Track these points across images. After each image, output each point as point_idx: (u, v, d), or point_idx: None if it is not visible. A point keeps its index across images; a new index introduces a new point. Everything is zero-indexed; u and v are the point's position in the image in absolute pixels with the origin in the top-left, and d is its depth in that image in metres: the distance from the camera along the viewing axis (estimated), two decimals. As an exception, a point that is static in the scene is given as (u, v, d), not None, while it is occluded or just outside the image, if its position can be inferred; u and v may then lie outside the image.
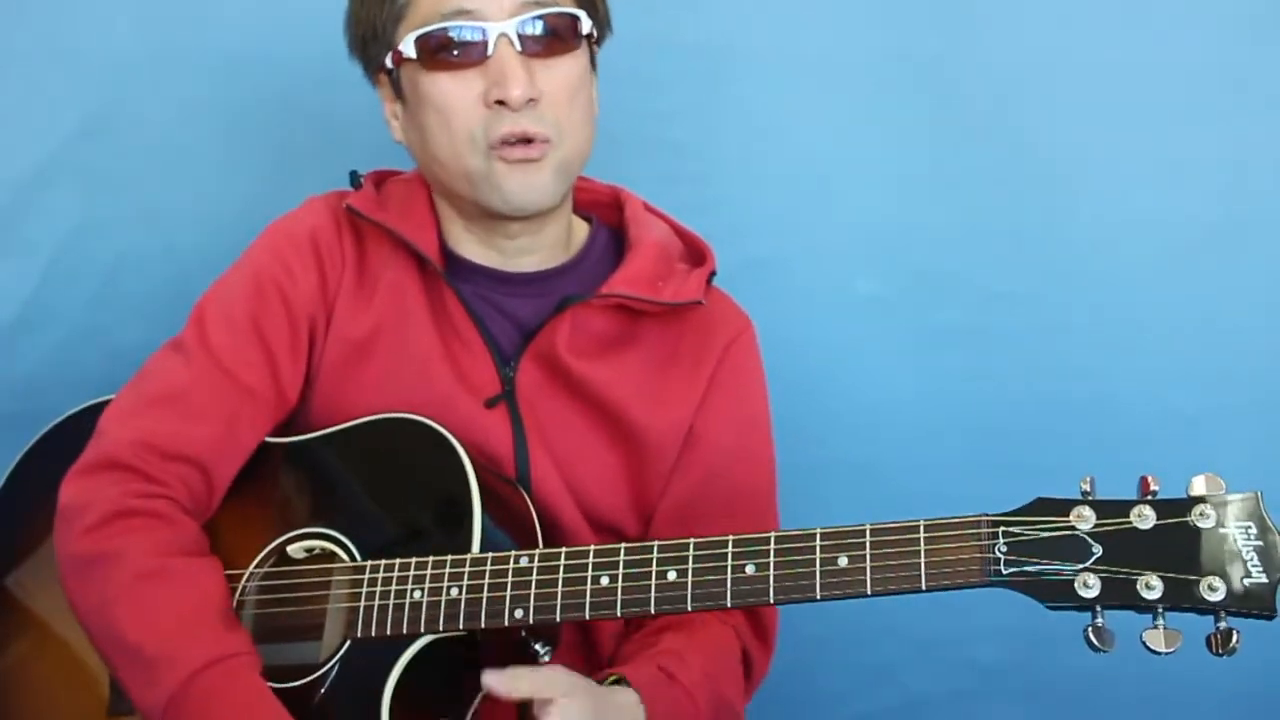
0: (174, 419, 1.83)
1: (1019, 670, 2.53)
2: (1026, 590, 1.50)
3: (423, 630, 1.71)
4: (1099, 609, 1.48)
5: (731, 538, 1.63)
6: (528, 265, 1.95)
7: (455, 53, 1.82)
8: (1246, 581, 1.43)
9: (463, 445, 1.78)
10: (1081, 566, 1.47)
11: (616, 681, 1.78)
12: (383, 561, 1.75)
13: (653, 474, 1.95)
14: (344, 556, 1.79)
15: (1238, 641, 1.44)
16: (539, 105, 1.82)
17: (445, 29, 1.82)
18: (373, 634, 1.73)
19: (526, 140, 1.82)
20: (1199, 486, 1.48)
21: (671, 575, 1.64)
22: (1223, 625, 1.45)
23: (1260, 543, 1.44)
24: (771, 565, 1.60)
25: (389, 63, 1.89)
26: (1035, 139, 2.53)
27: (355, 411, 1.87)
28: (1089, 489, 1.51)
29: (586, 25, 1.88)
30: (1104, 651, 1.47)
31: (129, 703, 1.81)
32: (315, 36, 2.46)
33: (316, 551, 1.82)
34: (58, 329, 2.53)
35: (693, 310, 1.95)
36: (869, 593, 1.55)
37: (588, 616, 1.67)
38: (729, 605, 1.62)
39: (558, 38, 1.85)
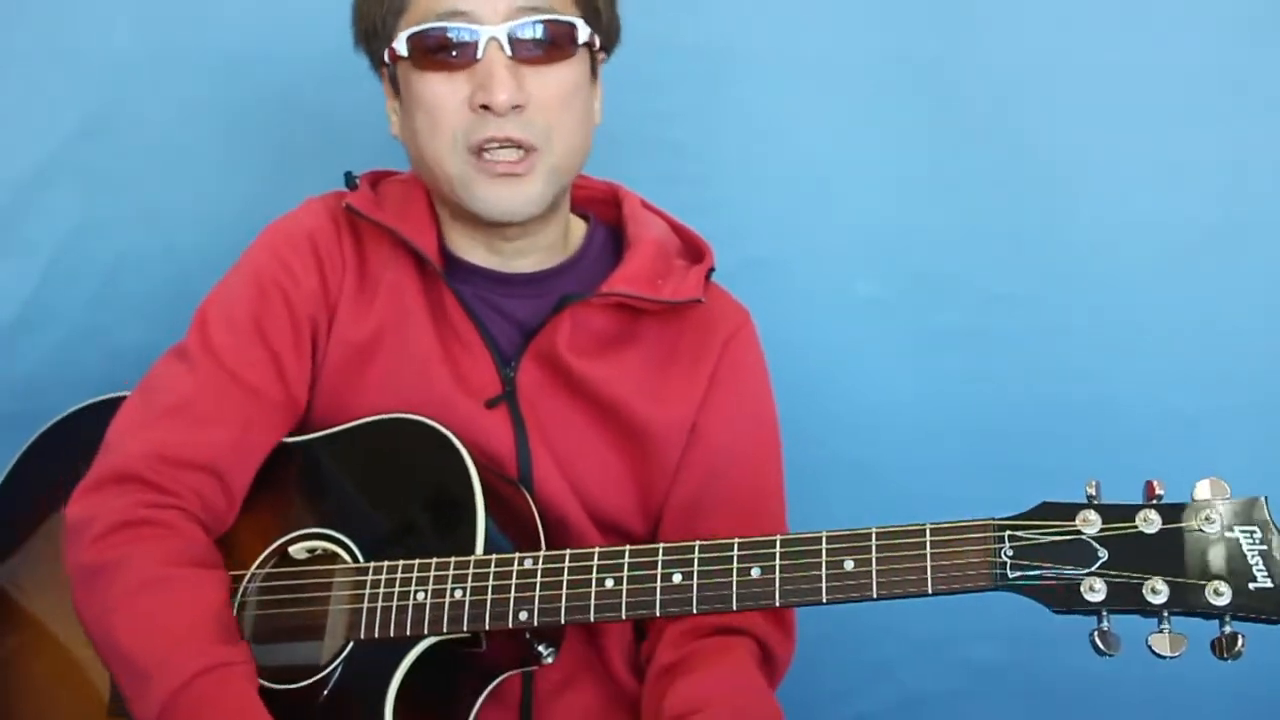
0: (183, 427, 1.82)
1: (1019, 670, 2.53)
2: (1033, 595, 1.50)
3: (426, 632, 1.71)
4: (1105, 613, 1.48)
5: (737, 540, 1.63)
6: (526, 266, 1.95)
7: (445, 54, 1.81)
8: (1252, 586, 1.44)
9: (465, 446, 1.78)
10: (1087, 571, 1.48)
11: None
12: (385, 563, 1.75)
13: (656, 472, 1.95)
14: (346, 557, 1.79)
15: (1243, 646, 1.45)
16: (526, 111, 1.81)
17: (437, 29, 1.81)
18: (376, 635, 1.72)
19: (513, 146, 1.81)
20: (1203, 491, 1.49)
21: (677, 578, 1.64)
22: (1228, 629, 1.46)
23: (1265, 547, 1.45)
24: (777, 568, 1.60)
25: (387, 58, 1.88)
26: (1035, 141, 2.53)
27: (357, 413, 1.87)
28: (1094, 493, 1.51)
29: (584, 34, 1.86)
30: (1110, 656, 1.48)
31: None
32: (315, 36, 2.48)
33: (319, 552, 1.82)
34: (58, 329, 2.53)
35: (692, 307, 1.95)
36: (875, 596, 1.56)
37: (592, 619, 1.67)
38: (735, 608, 1.62)
39: (552, 44, 1.83)
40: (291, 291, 1.89)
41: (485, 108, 1.79)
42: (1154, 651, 1.46)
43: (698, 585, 1.63)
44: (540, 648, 1.76)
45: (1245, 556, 1.44)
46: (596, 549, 1.70)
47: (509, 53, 1.80)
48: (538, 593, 1.68)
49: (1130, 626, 1.50)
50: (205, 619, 1.72)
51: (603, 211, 2.05)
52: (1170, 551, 1.47)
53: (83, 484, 1.81)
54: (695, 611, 1.64)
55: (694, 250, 2.03)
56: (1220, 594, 1.44)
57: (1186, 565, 1.46)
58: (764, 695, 1.87)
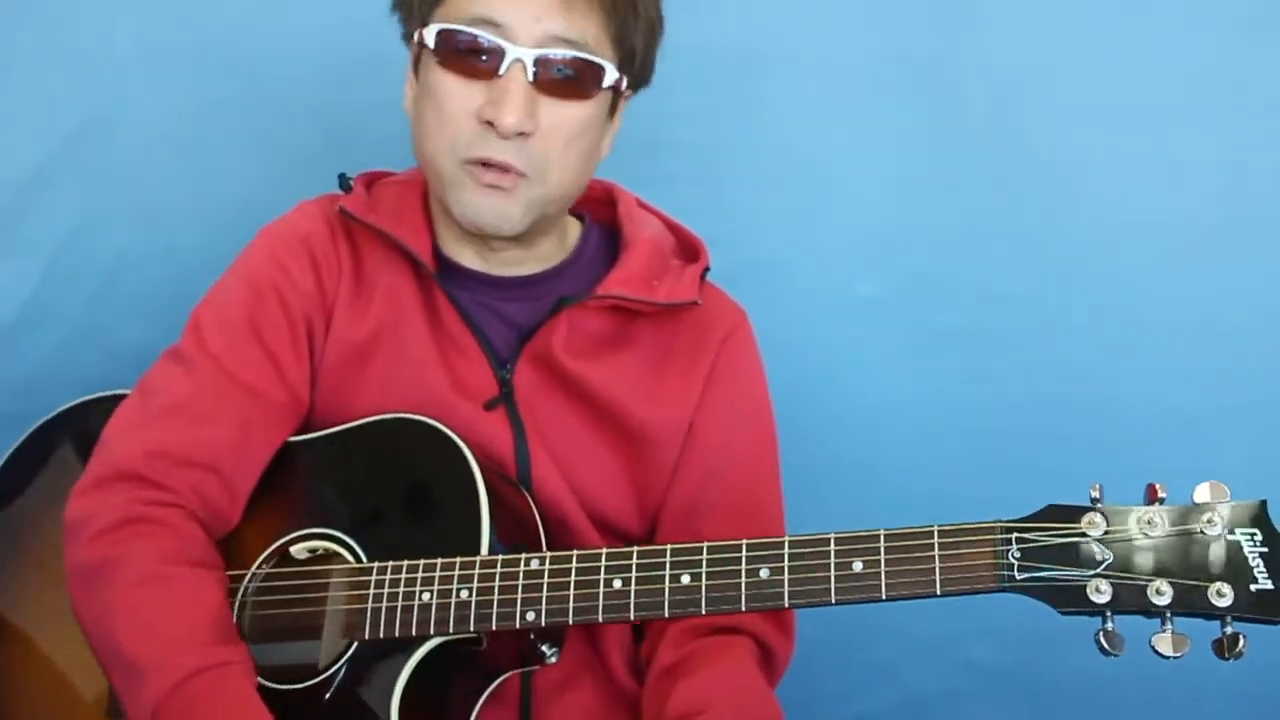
0: (181, 426, 1.82)
1: (1019, 670, 2.54)
2: (1039, 596, 1.52)
3: (432, 632, 1.71)
4: (1110, 614, 1.50)
5: (745, 541, 1.64)
6: (520, 270, 1.95)
7: (469, 59, 1.79)
8: (1253, 587, 1.47)
9: (468, 446, 1.78)
10: (1093, 572, 1.50)
11: None
12: (390, 563, 1.75)
13: (653, 472, 1.95)
14: (348, 557, 1.79)
15: (1244, 646, 1.47)
16: (529, 140, 1.79)
17: (468, 34, 1.78)
18: (381, 635, 1.73)
19: (504, 169, 1.80)
20: (1204, 494, 1.50)
21: (685, 579, 1.65)
22: (1229, 630, 1.48)
23: (1266, 549, 1.47)
24: (786, 569, 1.61)
25: (416, 39, 1.86)
26: (1035, 141, 2.53)
27: (356, 414, 1.87)
28: (1098, 496, 1.53)
29: (610, 78, 1.83)
30: (1114, 656, 1.50)
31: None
32: (315, 36, 2.49)
33: (320, 552, 1.82)
34: (58, 329, 2.52)
35: (689, 307, 1.95)
36: (884, 597, 1.57)
37: (600, 619, 1.68)
38: (743, 609, 1.63)
39: (575, 82, 1.81)
40: (287, 292, 1.89)
41: (491, 124, 1.78)
42: (1157, 652, 1.48)
43: (706, 586, 1.64)
44: (544, 647, 1.77)
45: (1247, 559, 1.47)
46: (604, 550, 1.70)
47: (530, 78, 1.77)
48: (545, 593, 1.69)
49: (1132, 626, 1.52)
50: (203, 619, 1.71)
51: (597, 211, 2.05)
52: (1173, 554, 1.49)
53: (80, 483, 1.80)
54: (704, 613, 1.65)
55: (689, 249, 2.03)
56: (1223, 595, 1.46)
57: (1189, 567, 1.48)
58: (765, 695, 1.87)
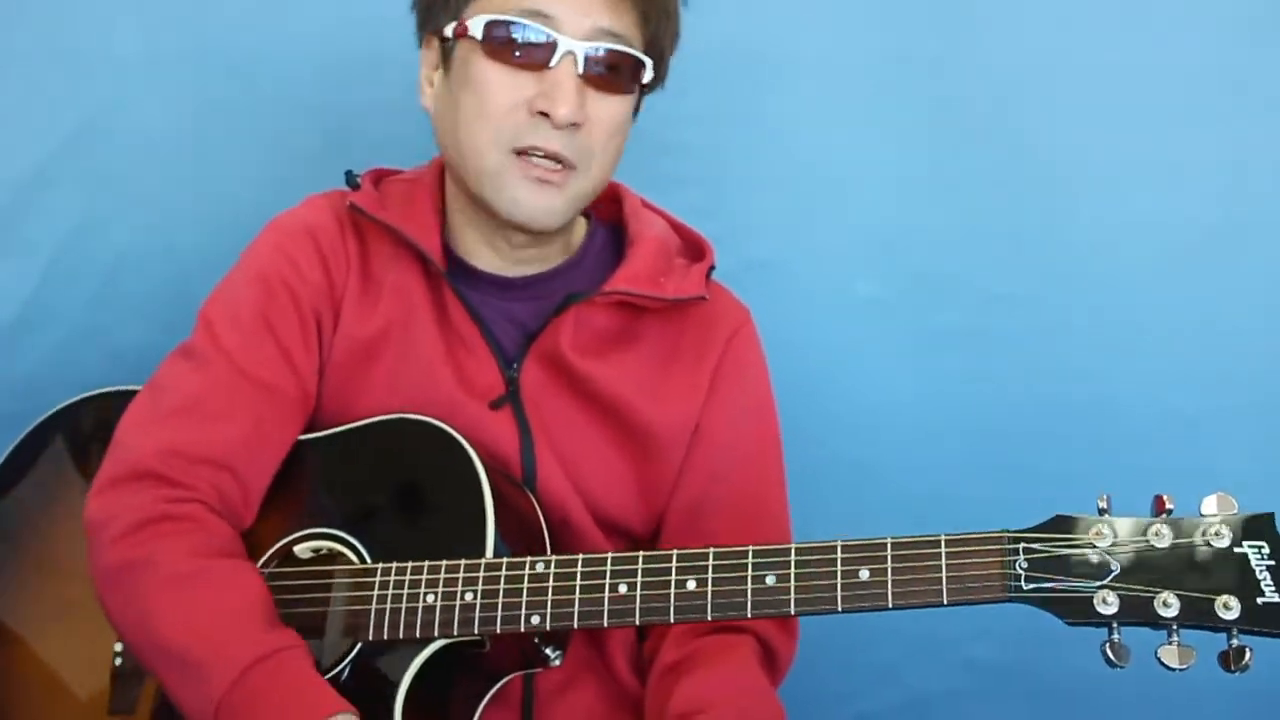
0: (195, 425, 1.81)
1: (1019, 670, 2.54)
2: (1046, 606, 1.53)
3: (436, 634, 1.72)
4: (1116, 625, 1.50)
5: (752, 548, 1.64)
6: (529, 269, 1.95)
7: (519, 52, 1.80)
8: (1260, 600, 1.47)
9: (474, 448, 1.78)
10: (1100, 584, 1.50)
11: None
12: (395, 564, 1.75)
13: (659, 471, 1.95)
14: (351, 557, 1.79)
15: (1250, 659, 1.47)
16: (577, 132, 1.81)
17: (520, 24, 1.79)
18: (385, 637, 1.73)
19: (555, 160, 1.81)
20: (1211, 506, 1.51)
21: (691, 584, 1.65)
22: (1235, 643, 1.48)
23: (1273, 562, 1.48)
24: (792, 577, 1.61)
25: (449, 32, 1.86)
26: (1035, 141, 2.53)
27: (362, 411, 1.88)
28: (1105, 506, 1.53)
29: (647, 74, 1.87)
30: (1120, 667, 1.50)
31: (131, 701, 1.82)
32: (315, 36, 2.49)
33: (323, 552, 1.82)
34: (58, 329, 2.52)
35: (694, 305, 1.96)
36: (890, 606, 1.57)
37: (606, 624, 1.68)
38: (749, 615, 1.63)
39: (618, 75, 1.84)
40: (297, 286, 1.89)
41: (544, 115, 1.79)
42: (1163, 664, 1.49)
43: (712, 592, 1.64)
44: (547, 650, 1.77)
45: (1254, 571, 1.47)
46: (609, 554, 1.70)
47: (580, 70, 1.79)
48: (550, 597, 1.69)
49: (1138, 634, 1.52)
50: (248, 607, 1.71)
51: (602, 210, 2.05)
52: (1181, 566, 1.50)
53: (96, 483, 1.80)
54: (709, 618, 1.65)
55: (694, 249, 2.03)
56: (1229, 608, 1.47)
57: (1196, 579, 1.49)
58: (767, 696, 1.87)
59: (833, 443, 2.56)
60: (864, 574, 1.58)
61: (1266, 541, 1.47)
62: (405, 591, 1.73)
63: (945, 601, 1.55)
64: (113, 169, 2.51)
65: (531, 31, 1.79)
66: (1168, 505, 1.52)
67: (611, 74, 1.83)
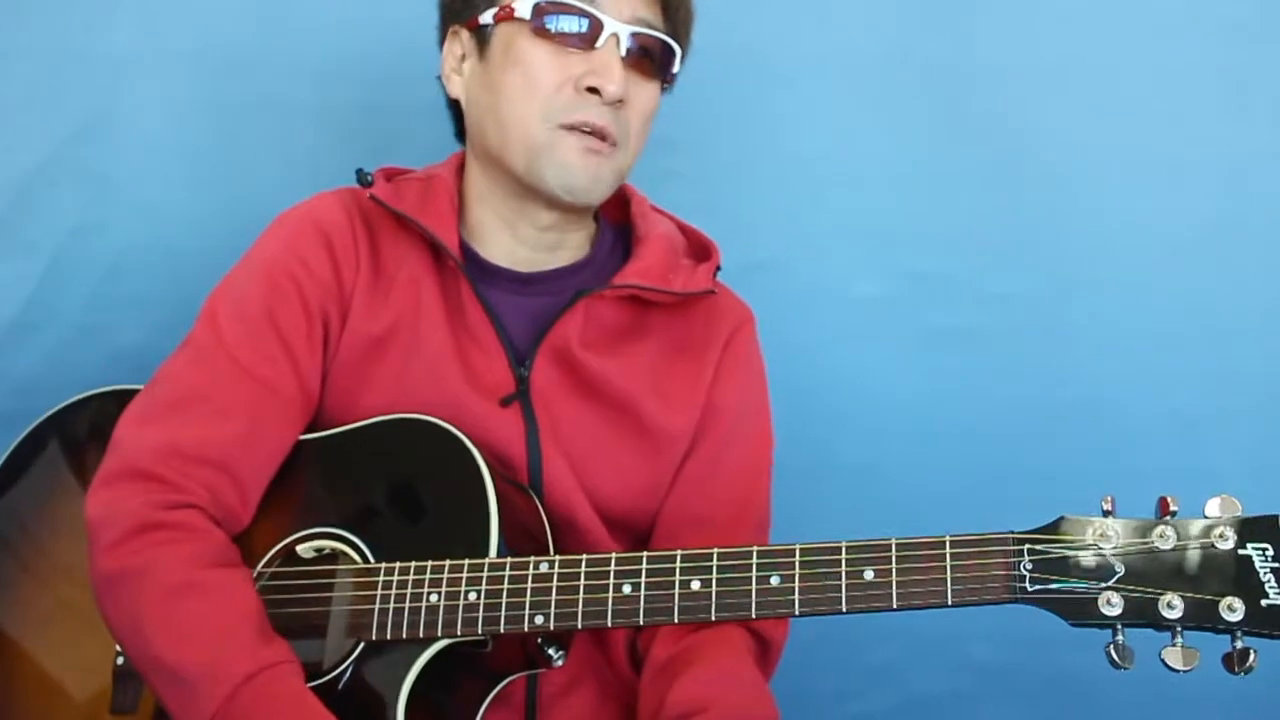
0: (195, 422, 1.81)
1: (1019, 670, 2.54)
2: (1050, 608, 1.53)
3: (440, 634, 1.71)
4: (1120, 627, 1.50)
5: (756, 548, 1.65)
6: (544, 264, 1.97)
7: (566, 30, 1.86)
8: (1264, 602, 1.48)
9: (479, 449, 1.78)
10: (1105, 585, 1.51)
11: None
12: (398, 564, 1.75)
13: (665, 467, 1.96)
14: (354, 557, 1.79)
15: (1254, 661, 1.48)
16: (620, 110, 1.86)
17: (570, 5, 1.85)
18: (388, 636, 1.73)
19: (600, 136, 1.86)
20: (1216, 508, 1.51)
21: (695, 585, 1.66)
22: (1239, 645, 1.48)
23: (1278, 564, 1.48)
24: (797, 577, 1.62)
25: (488, 18, 1.91)
26: (1035, 140, 2.54)
27: (367, 410, 1.87)
28: (1110, 508, 1.53)
29: (677, 65, 1.94)
30: (1124, 668, 1.50)
31: (133, 700, 1.82)
32: (315, 36, 2.48)
33: (326, 551, 1.82)
34: (58, 329, 2.51)
35: (699, 302, 1.98)
36: (895, 607, 1.58)
37: (610, 624, 1.68)
38: (753, 616, 1.64)
39: (655, 62, 1.91)
40: (305, 283, 1.88)
41: (594, 91, 1.84)
42: (1167, 665, 1.50)
43: (716, 592, 1.65)
44: (550, 650, 1.77)
45: (1258, 573, 1.48)
46: (613, 554, 1.70)
47: (623, 52, 1.85)
48: (554, 597, 1.69)
49: (1141, 635, 1.53)
50: (243, 621, 1.70)
51: (610, 211, 2.07)
52: (1185, 567, 1.50)
53: (96, 480, 1.79)
54: (714, 619, 1.65)
55: (700, 249, 2.05)
56: (1234, 610, 1.47)
57: (1201, 581, 1.49)
58: (761, 694, 1.88)
59: (833, 444, 2.56)
60: (869, 575, 1.59)
61: (1271, 543, 1.48)
62: (409, 591, 1.73)
63: (950, 602, 1.56)
64: (113, 169, 2.50)
65: (578, 13, 1.85)
66: (1172, 507, 1.52)
67: (648, 59, 1.90)
